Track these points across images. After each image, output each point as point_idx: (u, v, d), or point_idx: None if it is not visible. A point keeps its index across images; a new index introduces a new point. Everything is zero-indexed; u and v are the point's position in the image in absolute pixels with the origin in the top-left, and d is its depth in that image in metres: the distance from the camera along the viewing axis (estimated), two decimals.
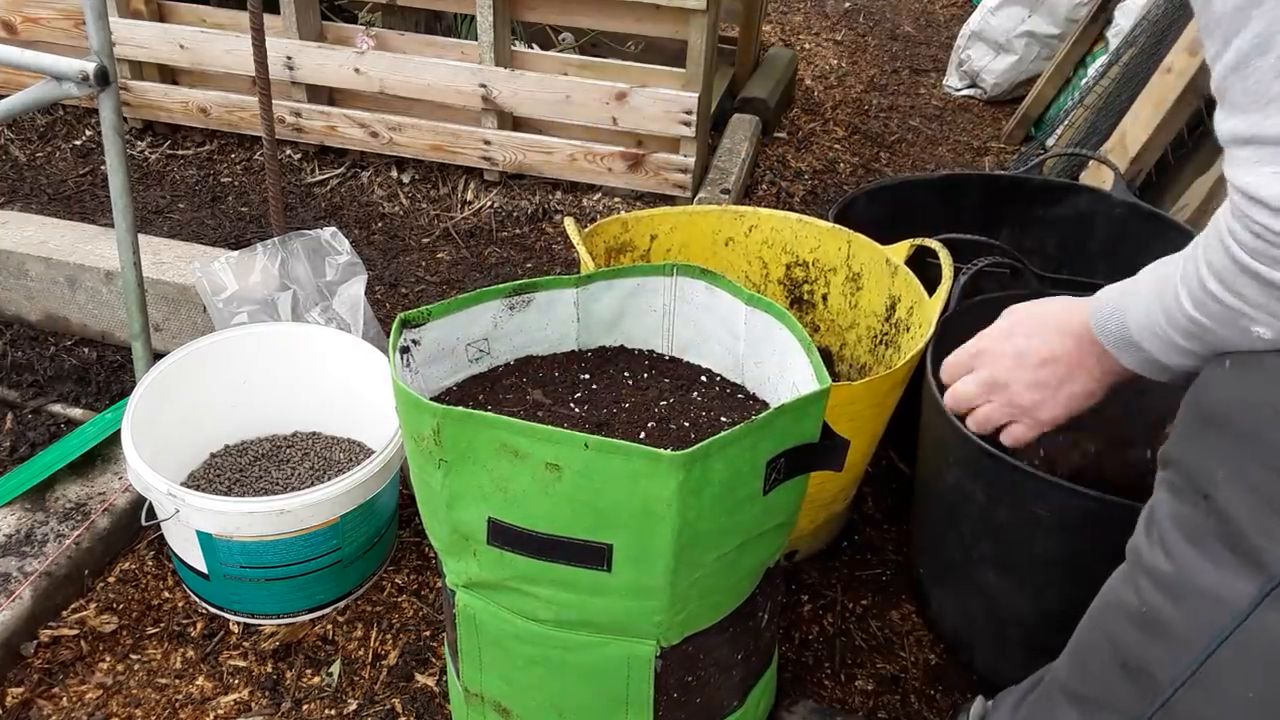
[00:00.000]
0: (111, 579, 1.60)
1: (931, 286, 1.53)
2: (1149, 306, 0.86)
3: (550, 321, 1.26)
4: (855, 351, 1.75)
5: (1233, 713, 0.89)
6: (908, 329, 1.59)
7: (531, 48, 2.76)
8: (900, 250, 1.62)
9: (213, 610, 1.56)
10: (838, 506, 1.66)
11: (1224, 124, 0.72)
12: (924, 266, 1.58)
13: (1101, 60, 2.78)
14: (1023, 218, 1.88)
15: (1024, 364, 0.98)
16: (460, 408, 0.99)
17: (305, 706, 1.44)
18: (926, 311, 1.51)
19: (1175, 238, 1.73)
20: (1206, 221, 2.22)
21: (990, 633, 1.46)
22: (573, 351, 1.29)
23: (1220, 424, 0.81)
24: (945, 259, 1.54)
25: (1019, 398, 1.00)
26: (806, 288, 1.78)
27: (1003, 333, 1.02)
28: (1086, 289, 1.53)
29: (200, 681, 1.46)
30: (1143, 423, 1.51)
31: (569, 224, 1.57)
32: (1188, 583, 0.87)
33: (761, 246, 1.78)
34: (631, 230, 1.71)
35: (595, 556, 1.00)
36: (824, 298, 1.77)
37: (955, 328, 1.49)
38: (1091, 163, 2.44)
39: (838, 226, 1.72)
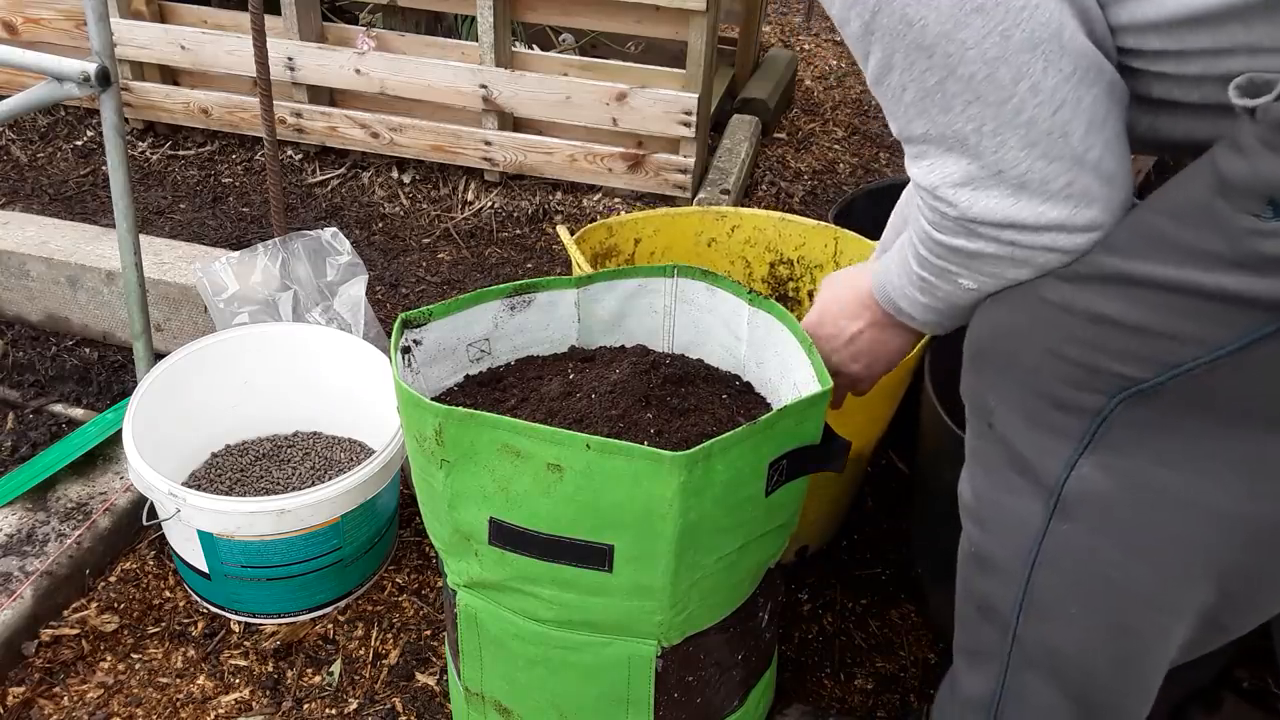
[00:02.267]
0: (113, 578, 1.60)
1: None
2: (898, 272, 0.96)
3: (551, 322, 1.27)
4: None
5: (1068, 632, 0.93)
6: None
7: (532, 49, 2.77)
8: None
9: (214, 610, 1.56)
10: (846, 499, 1.67)
11: (889, 122, 0.84)
12: None
13: None
14: None
15: (839, 344, 1.09)
16: (462, 408, 0.99)
17: (306, 706, 1.44)
18: None
19: None
20: None
21: None
22: (573, 348, 1.29)
23: (984, 356, 0.91)
24: None
25: (848, 369, 1.11)
26: (791, 285, 1.79)
27: (816, 320, 1.11)
28: None
29: (201, 681, 1.47)
30: None
31: (561, 230, 1.58)
32: (993, 512, 0.93)
33: (744, 246, 1.79)
34: (616, 234, 1.72)
35: (597, 557, 1.00)
36: (810, 295, 1.78)
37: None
38: None
39: (823, 223, 1.73)
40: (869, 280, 1.02)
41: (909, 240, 0.91)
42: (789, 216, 1.76)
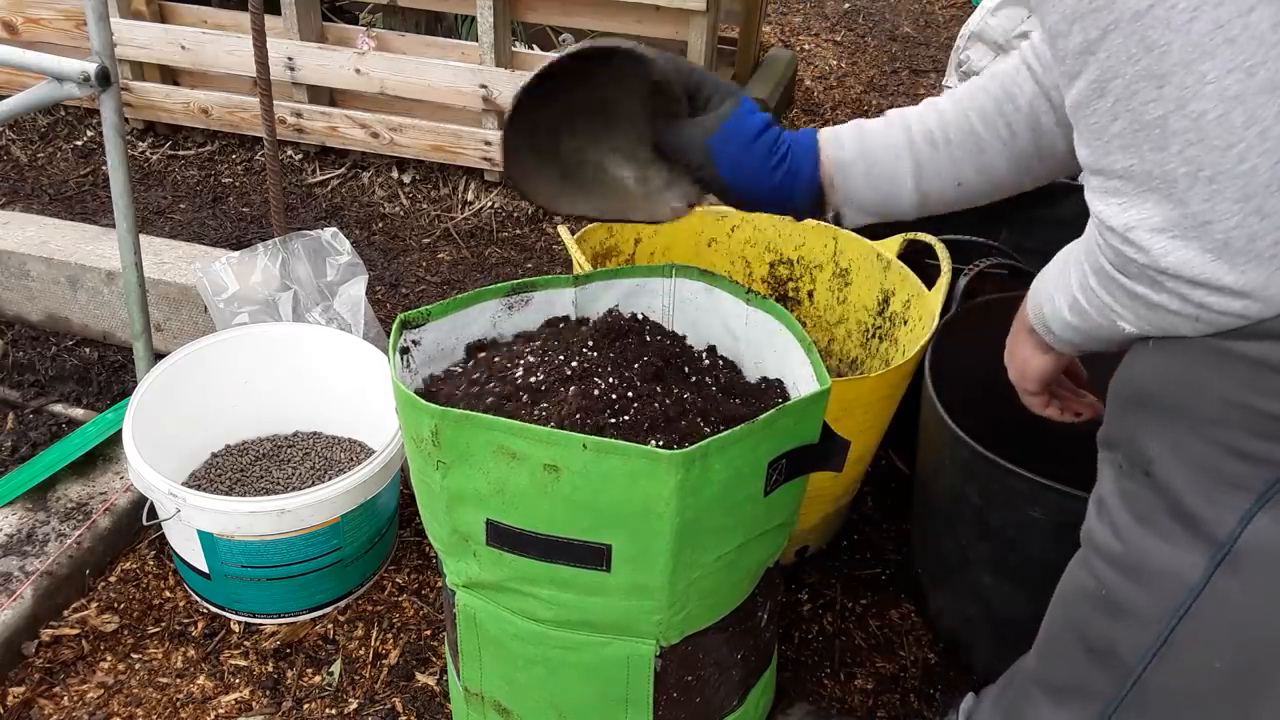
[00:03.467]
0: (113, 578, 1.60)
1: (930, 285, 1.53)
2: (1056, 283, 0.90)
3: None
4: (845, 346, 1.76)
5: (1202, 684, 0.90)
6: (905, 322, 1.59)
7: (532, 49, 2.76)
8: (892, 245, 1.63)
9: (214, 610, 1.56)
10: (846, 499, 1.67)
11: (1078, 149, 0.78)
12: (924, 268, 1.59)
13: None
14: (1022, 219, 1.88)
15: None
16: (458, 410, 0.99)
17: (306, 706, 1.44)
18: (927, 304, 1.51)
19: None
20: None
21: (988, 633, 1.46)
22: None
23: (1150, 402, 0.85)
24: (942, 253, 1.54)
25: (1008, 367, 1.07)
26: (791, 285, 1.79)
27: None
28: None
29: (201, 681, 1.47)
30: None
31: (562, 230, 1.58)
32: (1140, 560, 0.89)
33: (744, 246, 1.79)
34: (617, 234, 1.72)
35: (594, 557, 1.00)
36: (809, 294, 1.78)
37: (956, 329, 1.50)
38: None
39: (823, 224, 1.73)
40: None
41: (1077, 261, 0.84)
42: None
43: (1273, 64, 0.66)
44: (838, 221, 1.10)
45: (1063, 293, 0.88)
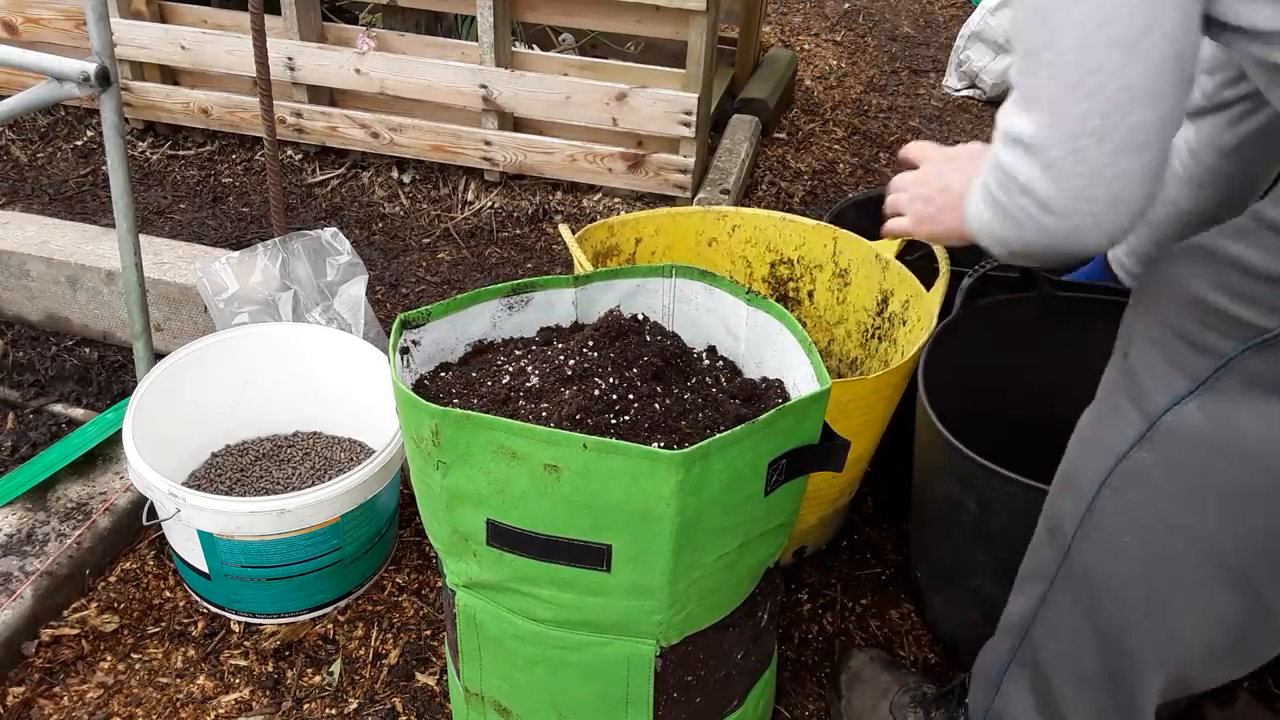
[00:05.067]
0: (113, 578, 1.60)
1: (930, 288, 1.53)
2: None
3: (549, 321, 1.27)
4: (845, 346, 1.76)
5: (1115, 563, 0.96)
6: (904, 322, 1.59)
7: (532, 48, 2.77)
8: (890, 245, 1.63)
9: (214, 610, 1.56)
10: (844, 500, 1.67)
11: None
12: (925, 271, 1.58)
13: None
14: None
15: (931, 174, 1.14)
16: (458, 409, 0.99)
17: (306, 706, 1.44)
18: (926, 305, 1.51)
19: None
20: None
21: (989, 636, 1.46)
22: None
23: (1142, 297, 0.96)
24: (940, 253, 1.54)
25: (918, 207, 1.15)
26: (791, 285, 1.79)
27: (939, 153, 1.15)
28: (1092, 293, 1.54)
29: (201, 681, 1.47)
30: None
31: (563, 229, 1.58)
32: (1091, 431, 0.97)
33: (745, 246, 1.79)
34: (617, 234, 1.72)
35: (594, 557, 1.00)
36: (810, 294, 1.78)
37: (957, 331, 1.50)
38: None
39: (823, 224, 1.72)
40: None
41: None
42: (789, 216, 1.76)
43: (1124, 20, 0.75)
44: None
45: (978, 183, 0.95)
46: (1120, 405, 0.94)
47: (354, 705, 1.44)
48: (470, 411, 0.98)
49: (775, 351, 1.19)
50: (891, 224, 1.19)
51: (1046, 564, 1.04)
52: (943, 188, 1.09)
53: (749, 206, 2.26)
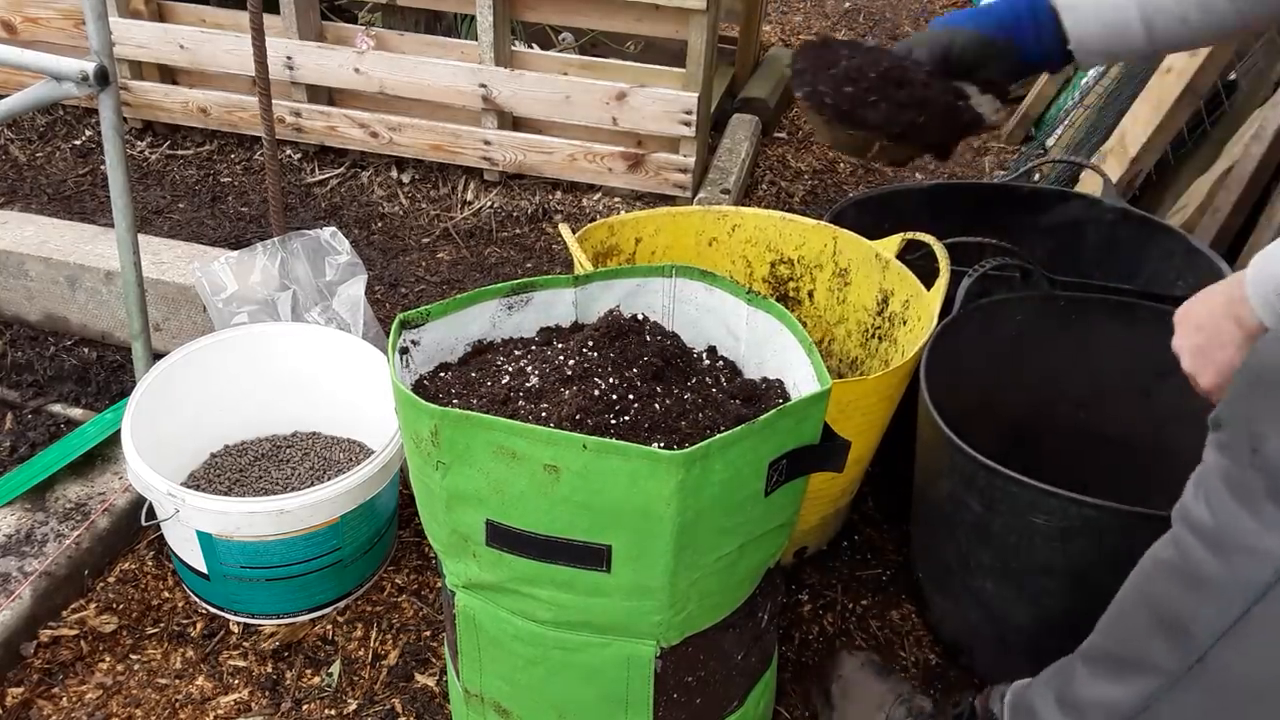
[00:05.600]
0: (111, 579, 1.60)
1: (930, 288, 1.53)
2: None
3: (548, 321, 1.26)
4: (845, 346, 1.76)
5: (1265, 672, 0.90)
6: (904, 322, 1.59)
7: (531, 48, 2.76)
8: (890, 245, 1.62)
9: (213, 610, 1.56)
10: (844, 501, 1.66)
11: None
12: (925, 271, 1.58)
13: None
14: (1014, 225, 1.86)
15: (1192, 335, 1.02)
16: (458, 409, 0.99)
17: (305, 706, 1.44)
18: (926, 304, 1.51)
19: (1167, 242, 1.73)
20: (1205, 221, 2.21)
21: (990, 638, 1.46)
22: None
23: (1271, 384, 0.86)
24: (940, 253, 1.54)
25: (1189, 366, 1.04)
26: (792, 285, 1.79)
27: (1189, 313, 1.04)
28: (1093, 292, 1.53)
29: (200, 681, 1.47)
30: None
31: (563, 229, 1.57)
32: (1230, 536, 0.89)
33: (745, 245, 1.79)
34: (617, 234, 1.71)
35: (594, 557, 1.00)
36: (810, 294, 1.78)
37: (958, 330, 1.49)
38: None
39: (823, 223, 1.72)
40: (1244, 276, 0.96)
41: None
42: (790, 216, 1.75)
43: None
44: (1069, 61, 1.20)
45: None
46: (1263, 509, 0.86)
47: (353, 706, 1.44)
48: (470, 411, 0.98)
49: (775, 351, 1.19)
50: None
51: (1163, 661, 0.97)
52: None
53: (749, 206, 2.26)
